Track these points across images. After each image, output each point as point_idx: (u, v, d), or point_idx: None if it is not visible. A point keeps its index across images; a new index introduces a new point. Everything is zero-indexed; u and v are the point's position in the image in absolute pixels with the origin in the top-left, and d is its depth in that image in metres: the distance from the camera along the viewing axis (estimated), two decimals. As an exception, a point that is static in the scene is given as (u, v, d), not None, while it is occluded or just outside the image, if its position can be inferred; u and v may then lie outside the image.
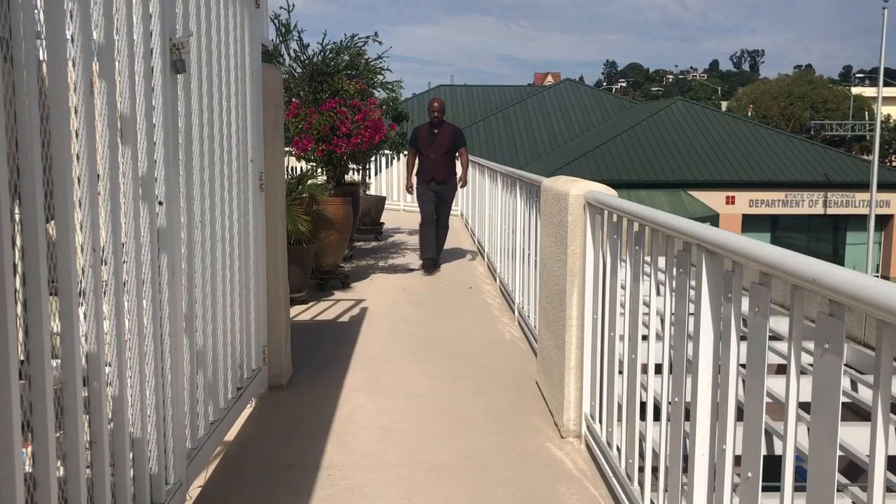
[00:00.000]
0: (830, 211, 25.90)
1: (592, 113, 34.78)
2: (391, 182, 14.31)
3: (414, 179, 8.43)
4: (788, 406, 1.61)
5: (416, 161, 8.33)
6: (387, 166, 14.34)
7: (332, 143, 7.75)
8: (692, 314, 2.14)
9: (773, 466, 1.76)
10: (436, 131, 8.14)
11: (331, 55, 8.42)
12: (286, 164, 7.41)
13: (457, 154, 8.36)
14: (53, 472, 1.71)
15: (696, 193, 25.34)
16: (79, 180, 1.89)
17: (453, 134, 8.21)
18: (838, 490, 1.60)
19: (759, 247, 1.74)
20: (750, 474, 1.76)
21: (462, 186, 8.57)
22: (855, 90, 49.05)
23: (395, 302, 6.56)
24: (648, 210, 2.59)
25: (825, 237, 26.74)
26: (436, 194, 8.17)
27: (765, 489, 1.76)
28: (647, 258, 2.80)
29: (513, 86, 43.34)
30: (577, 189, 3.42)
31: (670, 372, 2.36)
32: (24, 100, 1.59)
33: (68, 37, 1.84)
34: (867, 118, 41.32)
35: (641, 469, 2.65)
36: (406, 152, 9.56)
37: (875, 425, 1.33)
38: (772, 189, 25.65)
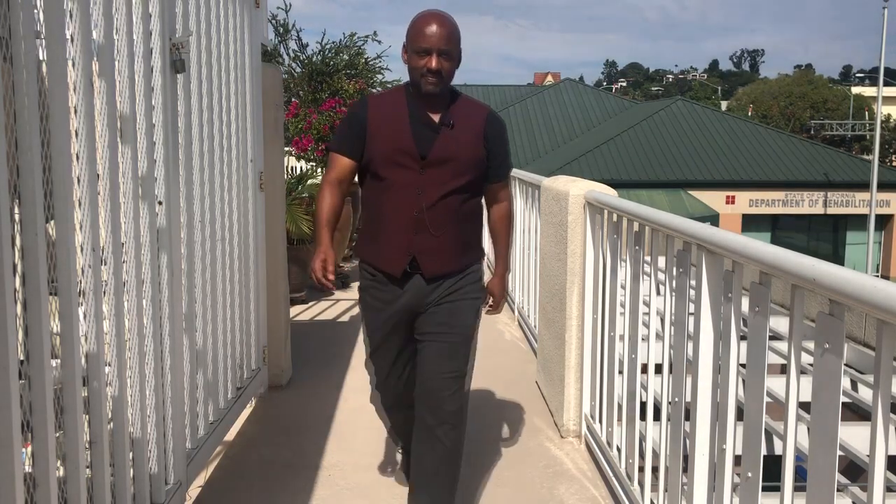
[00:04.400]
0: (830, 211, 25.90)
1: (592, 113, 34.78)
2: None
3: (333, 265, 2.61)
4: (788, 406, 1.61)
5: (369, 199, 2.61)
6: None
7: (332, 143, 7.75)
8: (692, 314, 2.14)
9: (773, 466, 1.76)
10: (434, 118, 2.49)
11: (330, 55, 8.42)
12: (286, 164, 7.42)
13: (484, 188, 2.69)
14: (53, 472, 1.71)
15: (696, 193, 25.33)
16: (78, 180, 1.89)
17: (488, 132, 2.56)
18: (838, 490, 1.60)
19: (760, 246, 1.74)
20: (750, 474, 1.76)
21: (496, 309, 2.83)
22: (855, 90, 49.05)
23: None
24: (648, 210, 2.59)
25: (825, 237, 26.75)
26: (413, 316, 2.60)
27: (765, 489, 1.76)
28: (647, 258, 2.80)
29: (513, 86, 43.34)
30: (577, 189, 3.42)
31: (670, 372, 2.36)
32: (24, 99, 1.59)
33: (68, 36, 1.83)
34: (867, 118, 41.31)
35: (641, 469, 2.65)
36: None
37: (875, 425, 1.33)
38: (772, 189, 25.65)
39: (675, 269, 2.32)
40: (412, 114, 2.49)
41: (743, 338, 1.86)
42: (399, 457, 3.15)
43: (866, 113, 42.64)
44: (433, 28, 2.40)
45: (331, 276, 2.55)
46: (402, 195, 2.47)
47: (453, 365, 2.56)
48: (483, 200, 2.69)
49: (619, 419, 2.90)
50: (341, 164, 2.57)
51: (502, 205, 2.75)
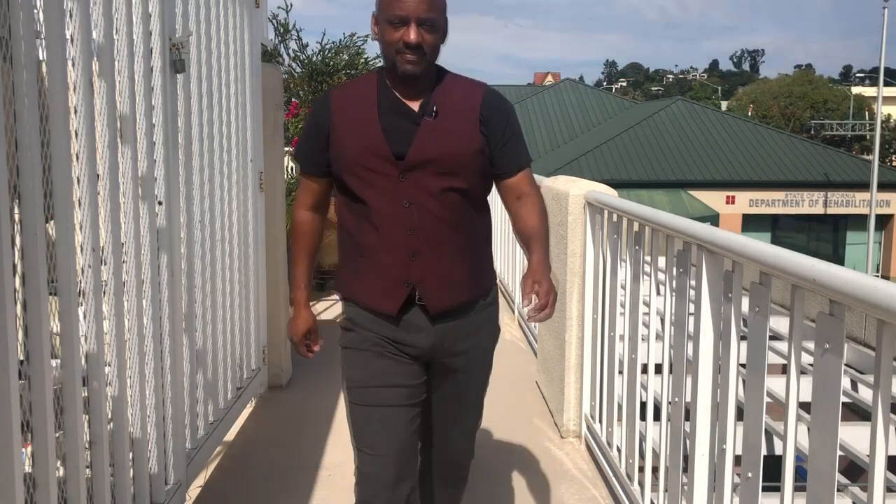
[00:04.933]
0: (830, 211, 25.90)
1: (592, 112, 34.77)
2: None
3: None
4: (788, 406, 1.61)
5: (345, 221, 2.04)
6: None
7: (332, 143, 7.74)
8: (692, 314, 2.14)
9: (773, 466, 1.76)
10: (413, 106, 1.91)
11: (330, 54, 8.41)
12: (286, 164, 7.41)
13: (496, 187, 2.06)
14: (53, 473, 1.71)
15: (696, 193, 25.34)
16: (78, 180, 1.89)
17: (485, 114, 1.94)
18: (838, 490, 1.60)
19: (759, 246, 1.73)
20: (750, 474, 1.76)
21: (546, 311, 1.85)
22: (855, 90, 49.01)
23: (395, 302, 6.55)
24: (648, 210, 2.59)
25: (825, 237, 26.75)
26: (427, 367, 2.05)
27: (765, 489, 1.76)
28: (647, 258, 2.80)
29: (513, 85, 43.32)
30: (577, 189, 3.42)
31: (670, 372, 2.36)
32: (24, 99, 1.59)
33: (68, 36, 1.83)
34: (867, 118, 41.26)
35: (641, 469, 2.65)
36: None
37: (875, 425, 1.33)
38: (772, 189, 25.66)
39: (675, 269, 2.32)
40: (383, 103, 1.91)
41: (743, 338, 1.86)
42: None
43: (866, 113, 42.60)
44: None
45: (316, 348, 2.24)
46: (383, 210, 1.89)
47: (475, 425, 2.24)
48: (503, 202, 2.04)
49: (619, 419, 2.90)
50: (309, 187, 2.06)
51: (528, 199, 1.99)
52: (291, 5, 8.28)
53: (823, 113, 44.78)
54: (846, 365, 5.24)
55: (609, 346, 3.06)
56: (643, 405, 2.66)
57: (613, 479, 2.93)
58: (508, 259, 6.49)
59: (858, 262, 24.09)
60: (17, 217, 1.63)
